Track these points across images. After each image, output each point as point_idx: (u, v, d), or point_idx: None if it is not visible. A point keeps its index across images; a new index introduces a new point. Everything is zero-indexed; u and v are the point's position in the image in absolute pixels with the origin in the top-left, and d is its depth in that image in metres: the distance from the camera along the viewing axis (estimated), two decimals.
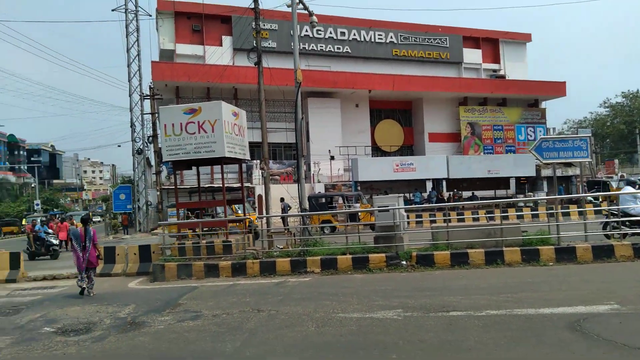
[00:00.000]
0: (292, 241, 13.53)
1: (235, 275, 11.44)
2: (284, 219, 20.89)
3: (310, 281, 10.56)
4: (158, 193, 29.74)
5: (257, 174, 32.34)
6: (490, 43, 45.46)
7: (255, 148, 24.77)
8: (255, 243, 14.28)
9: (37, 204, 48.50)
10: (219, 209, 16.67)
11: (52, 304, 9.90)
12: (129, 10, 32.52)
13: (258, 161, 31.92)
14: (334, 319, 7.14)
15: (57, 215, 30.11)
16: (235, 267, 11.52)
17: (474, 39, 44.53)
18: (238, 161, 14.87)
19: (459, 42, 43.33)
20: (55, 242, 19.50)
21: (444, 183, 34.27)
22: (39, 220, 21.88)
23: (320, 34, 38.06)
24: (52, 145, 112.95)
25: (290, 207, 22.51)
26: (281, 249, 12.83)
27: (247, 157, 14.82)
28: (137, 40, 33.07)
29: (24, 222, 41.60)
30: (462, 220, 18.39)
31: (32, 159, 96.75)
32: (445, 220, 13.29)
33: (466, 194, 35.15)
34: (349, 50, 39.80)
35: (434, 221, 20.13)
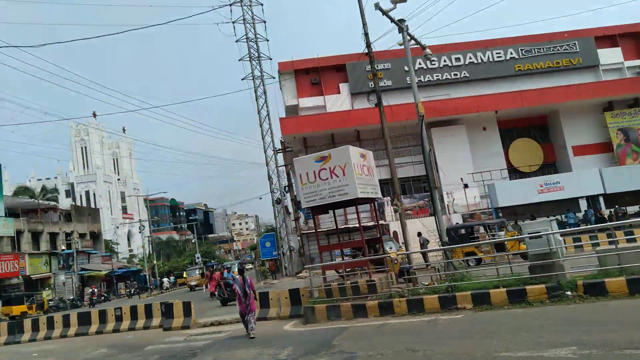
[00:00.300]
0: (437, 277, 13.18)
1: (383, 315, 11.46)
2: (424, 254, 20.43)
3: (463, 318, 10.13)
4: (299, 238, 31.37)
5: (388, 210, 32.38)
6: (630, 38, 40.52)
7: (383, 185, 25.02)
8: (398, 281, 14.22)
9: (198, 257, 54.36)
10: (386, 246, 16.64)
11: (221, 347, 10.93)
12: (256, 76, 36.00)
13: (388, 198, 32.03)
14: (497, 359, 6.75)
15: (213, 266, 33.37)
16: (382, 306, 11.57)
17: (610, 37, 40.12)
18: (370, 200, 15.18)
19: (591, 44, 39.36)
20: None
21: (601, 199, 30.46)
22: (236, 269, 24.58)
23: (434, 64, 37.74)
24: (205, 204, 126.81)
25: (428, 242, 21.96)
26: (426, 285, 12.58)
27: (379, 195, 15.06)
28: (265, 101, 36.29)
29: (184, 275, 46.75)
30: (633, 240, 16.09)
31: (190, 217, 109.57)
32: (611, 242, 11.79)
33: (632, 209, 30.73)
34: (467, 74, 38.68)
35: (596, 244, 17.98)
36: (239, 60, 35.96)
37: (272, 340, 10.74)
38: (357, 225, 14.42)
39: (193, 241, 75.13)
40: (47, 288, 40.51)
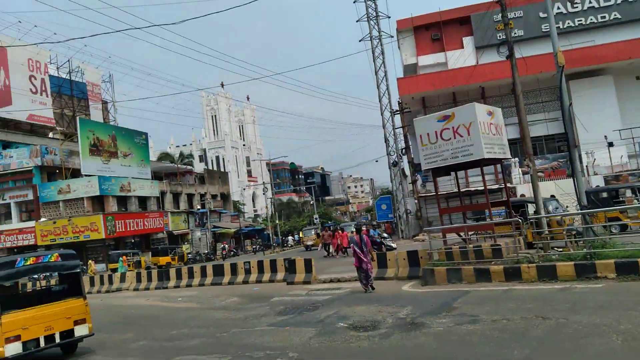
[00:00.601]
0: (573, 243, 11.96)
1: (509, 280, 10.78)
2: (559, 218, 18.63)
3: (604, 288, 9.09)
4: (415, 201, 30.81)
5: (515, 172, 30.11)
6: None
7: (511, 145, 23.15)
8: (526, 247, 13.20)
9: (316, 218, 56.60)
10: (549, 206, 15.27)
11: (340, 303, 11.24)
12: (374, 37, 35.15)
13: (516, 159, 29.70)
14: None
15: (330, 227, 34.27)
16: (508, 271, 10.87)
17: None
18: (497, 161, 14.13)
19: None
20: (394, 245, 22.33)
21: None
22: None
23: (576, 7, 33.31)
24: (322, 168, 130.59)
25: (565, 206, 19.99)
26: (560, 251, 11.49)
27: (507, 155, 13.95)
28: (383, 62, 35.38)
29: (300, 235, 48.82)
30: None
31: (308, 180, 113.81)
32: None
33: None
34: (617, 15, 33.51)
35: None
36: (357, 21, 35.33)
37: (390, 299, 10.74)
38: (480, 187, 13.59)
39: (311, 203, 78.21)
40: (186, 242, 45.45)
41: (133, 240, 38.98)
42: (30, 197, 36.46)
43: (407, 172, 35.08)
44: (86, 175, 36.73)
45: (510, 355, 5.98)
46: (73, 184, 36.23)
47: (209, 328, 10.21)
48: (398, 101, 33.90)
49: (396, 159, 33.06)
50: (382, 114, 33.63)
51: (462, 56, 33.52)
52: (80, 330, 8.95)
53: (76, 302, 9.11)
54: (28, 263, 8.66)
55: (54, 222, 35.14)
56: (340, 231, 26.46)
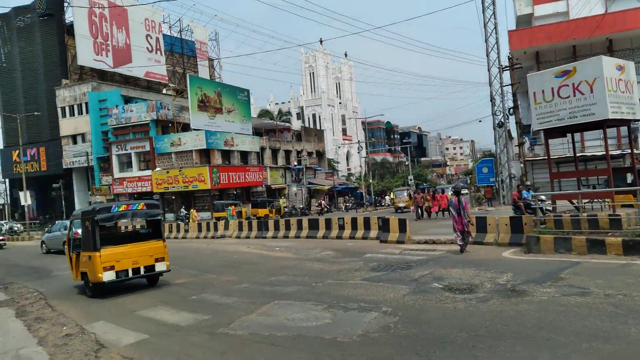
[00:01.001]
0: None
1: (628, 254, 9.75)
2: None
3: None
4: (521, 165, 28.78)
5: None
6: None
7: None
8: None
9: (411, 179, 55.65)
10: None
11: (435, 264, 11.03)
12: None
13: None
14: None
15: (425, 189, 33.36)
16: (628, 244, 9.82)
17: None
18: (624, 122, 12.57)
19: None
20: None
21: None
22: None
23: None
24: (419, 128, 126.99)
25: None
26: None
27: (638, 116, 12.32)
28: (494, 12, 32.68)
29: (391, 195, 48.14)
30: None
31: (403, 140, 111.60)
32: None
33: None
34: None
35: None
36: None
37: (489, 264, 10.30)
38: (597, 152, 12.24)
39: (406, 163, 76.84)
40: (283, 197, 47.36)
41: (235, 192, 41.45)
42: (147, 148, 40.03)
43: (514, 133, 32.73)
44: (194, 130, 39.32)
45: (626, 331, 5.46)
46: (183, 137, 39.05)
47: (305, 277, 10.62)
48: (508, 56, 31.19)
49: (502, 120, 30.93)
50: (489, 70, 31.41)
51: (588, 4, 29.70)
52: (160, 266, 10.67)
53: (157, 244, 10.83)
54: (120, 209, 10.58)
55: (167, 172, 38.39)
56: (440, 192, 25.87)
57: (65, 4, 46.17)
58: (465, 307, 7.08)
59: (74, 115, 44.63)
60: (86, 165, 43.32)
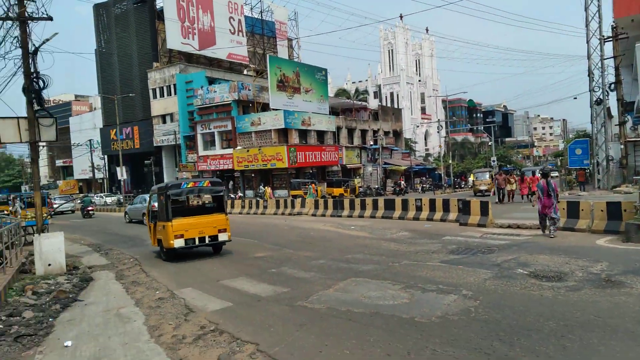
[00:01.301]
0: None
1: None
2: None
3: None
4: (622, 146, 26.26)
5: None
6: None
7: None
8: None
9: (494, 160, 52.99)
10: None
11: (520, 249, 10.48)
12: None
13: None
14: None
15: (508, 171, 31.51)
16: None
17: None
18: None
19: None
20: None
21: None
22: None
23: None
24: (504, 106, 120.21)
25: None
26: None
27: None
28: None
29: (471, 177, 46.16)
30: None
31: (487, 119, 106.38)
32: None
33: None
34: None
35: None
36: None
37: (580, 252, 9.60)
38: None
39: (489, 144, 73.24)
40: (358, 176, 47.23)
41: (311, 171, 42.05)
42: (229, 127, 41.64)
43: (614, 111, 29.82)
44: (273, 109, 40.22)
45: None
46: (263, 117, 40.12)
47: (381, 256, 10.58)
48: (612, 25, 28.23)
49: (601, 96, 28.29)
50: (587, 42, 28.68)
51: None
52: (222, 237, 11.99)
53: (220, 216, 12.17)
54: (189, 186, 12.17)
55: (247, 151, 39.77)
56: (531, 175, 24.38)
57: None
58: (554, 296, 6.67)
59: (163, 96, 47.45)
60: (174, 143, 46.08)
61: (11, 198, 24.42)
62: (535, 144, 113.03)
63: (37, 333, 6.53)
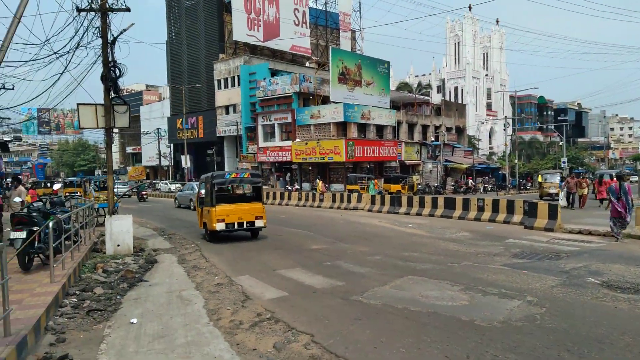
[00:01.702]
0: None
1: None
2: None
3: None
4: None
5: None
6: None
7: None
8: None
9: (564, 162, 50.10)
10: None
11: (591, 257, 9.82)
12: None
13: None
14: None
15: (580, 174, 29.69)
16: None
17: None
18: None
19: None
20: None
21: None
22: None
23: None
24: (578, 104, 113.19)
25: None
26: None
27: None
28: None
29: (539, 179, 43.72)
30: None
31: (558, 118, 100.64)
32: None
33: None
34: None
35: None
36: None
37: None
38: None
39: (560, 144, 69.33)
40: (417, 173, 46.34)
41: (368, 166, 41.74)
42: (289, 119, 42.15)
43: None
44: (333, 102, 40.22)
45: None
46: (322, 110, 40.25)
47: (440, 256, 10.30)
48: None
49: None
50: None
51: None
52: (259, 223, 13.33)
53: (258, 205, 13.62)
54: (231, 177, 13.62)
55: (306, 143, 40.09)
56: (609, 178, 22.57)
57: None
58: (630, 309, 6.19)
59: (227, 87, 48.82)
60: (236, 134, 47.35)
61: (83, 181, 26.24)
62: (612, 145, 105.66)
63: (107, 309, 6.93)
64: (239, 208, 13.32)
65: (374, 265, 9.49)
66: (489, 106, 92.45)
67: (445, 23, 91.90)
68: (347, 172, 38.40)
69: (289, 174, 42.33)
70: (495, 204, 17.09)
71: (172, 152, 59.20)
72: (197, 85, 49.66)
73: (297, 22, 51.10)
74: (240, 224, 13.14)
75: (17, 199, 11.15)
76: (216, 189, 13.31)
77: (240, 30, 47.13)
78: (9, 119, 36.72)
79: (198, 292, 7.91)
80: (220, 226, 12.77)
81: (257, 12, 48.27)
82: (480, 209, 17.51)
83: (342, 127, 40.27)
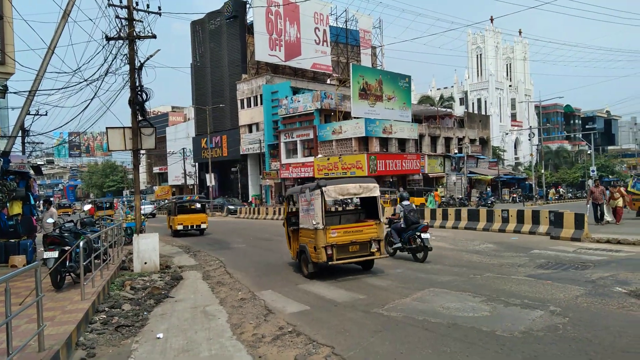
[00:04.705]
0: None
1: None
2: None
3: None
4: None
5: None
6: None
7: None
8: None
9: (593, 171, 48.90)
10: None
11: (619, 266, 9.60)
12: None
13: None
14: None
15: (611, 182, 28.94)
16: None
17: None
18: None
19: None
20: None
21: None
22: None
23: None
24: (607, 111, 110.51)
25: None
26: None
27: None
28: None
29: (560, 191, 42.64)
30: None
31: (586, 126, 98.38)
32: None
33: None
34: None
35: None
36: None
37: None
38: None
39: (588, 152, 67.68)
40: (441, 186, 45.90)
41: (391, 180, 41.62)
42: (311, 136, 42.56)
43: None
44: (355, 118, 40.47)
45: None
46: (344, 125, 40.51)
47: (462, 268, 10.23)
48: None
49: None
50: None
51: None
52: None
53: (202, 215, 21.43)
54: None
55: (328, 159, 40.32)
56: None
57: (247, 5, 51.38)
58: None
59: (250, 106, 49.70)
60: (259, 151, 48.01)
61: (114, 202, 27.13)
62: None
63: (134, 324, 7.15)
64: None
65: (395, 278, 9.50)
66: (513, 116, 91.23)
67: (466, 36, 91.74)
68: None
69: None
70: (520, 215, 16.84)
71: (197, 171, 60.31)
72: (220, 105, 50.72)
73: (318, 41, 51.87)
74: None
75: (50, 220, 11.62)
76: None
77: (263, 50, 48.11)
78: (42, 143, 38.23)
79: (222, 307, 8.08)
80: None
81: (279, 33, 49.25)
82: (505, 220, 17.28)
83: (363, 142, 40.40)
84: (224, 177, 55.65)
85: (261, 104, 47.80)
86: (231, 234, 22.09)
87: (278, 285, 9.50)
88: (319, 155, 41.47)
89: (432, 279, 9.17)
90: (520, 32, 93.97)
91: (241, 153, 50.54)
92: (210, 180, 48.30)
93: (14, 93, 13.61)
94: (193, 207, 23.35)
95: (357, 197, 11.60)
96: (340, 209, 13.04)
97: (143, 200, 51.69)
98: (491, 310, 6.74)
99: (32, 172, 15.41)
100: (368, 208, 11.17)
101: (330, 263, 9.45)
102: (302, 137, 43.50)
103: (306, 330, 6.37)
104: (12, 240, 11.98)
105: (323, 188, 9.51)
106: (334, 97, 43.28)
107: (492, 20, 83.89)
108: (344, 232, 9.62)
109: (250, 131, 50.12)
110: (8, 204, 12.06)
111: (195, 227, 21.86)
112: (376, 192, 10.20)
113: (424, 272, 9.89)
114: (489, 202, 39.67)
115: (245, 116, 50.30)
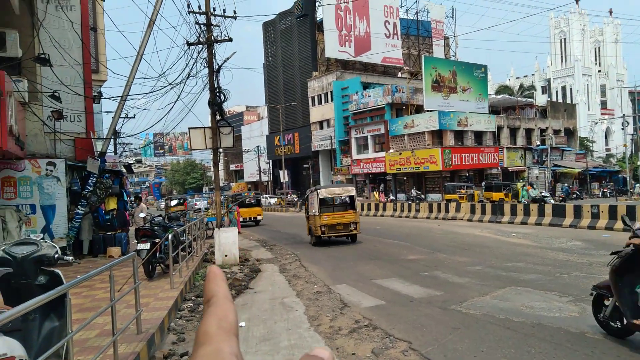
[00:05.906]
0: None
1: None
2: None
3: None
4: None
5: None
6: None
7: None
8: None
9: None
10: None
11: None
12: None
13: None
14: None
15: None
16: None
17: None
18: None
19: None
20: None
21: None
22: None
23: None
24: None
25: None
26: None
27: None
28: None
29: None
30: None
31: None
32: None
33: None
34: None
35: None
36: None
37: None
38: None
39: None
40: (521, 180, 43.57)
41: (467, 174, 40.18)
42: (382, 131, 42.16)
43: None
44: (428, 111, 39.52)
45: None
46: (416, 119, 39.71)
47: (547, 267, 9.71)
48: None
49: None
50: None
51: None
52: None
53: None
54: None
55: (400, 154, 39.74)
56: None
57: (317, 3, 51.90)
58: None
59: (321, 103, 50.23)
60: (330, 148, 48.43)
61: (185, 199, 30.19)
62: None
63: None
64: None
65: (473, 275, 9.23)
66: (603, 104, 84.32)
67: (548, 20, 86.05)
68: (444, 181, 37.36)
69: (382, 185, 42.23)
70: (613, 210, 15.65)
71: (271, 168, 62.04)
72: (292, 103, 51.74)
73: (388, 34, 51.22)
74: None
75: (141, 214, 12.55)
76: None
77: (332, 47, 48.39)
78: (131, 144, 41.34)
79: (298, 299, 8.31)
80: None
81: (348, 29, 49.26)
82: (595, 216, 16.13)
83: (437, 136, 39.36)
84: (296, 173, 56.80)
85: (332, 100, 48.13)
86: (305, 228, 22.51)
87: (352, 280, 9.59)
88: (391, 150, 41.01)
89: (514, 277, 8.80)
90: (610, 12, 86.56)
91: (312, 150, 51.25)
92: (284, 176, 49.51)
93: (108, 98, 14.86)
94: (250, 202, 26.73)
95: (340, 197, 17.11)
96: (334, 203, 17.29)
97: (201, 195, 54.11)
98: (580, 311, 6.36)
99: (124, 170, 16.73)
100: (351, 203, 16.05)
101: (322, 236, 14.69)
102: (373, 132, 43.24)
103: (382, 324, 6.39)
104: (109, 233, 13.13)
105: (318, 190, 15.38)
106: (405, 90, 42.55)
107: (577, 1, 77.97)
108: (332, 217, 14.88)
109: (321, 128, 50.66)
110: (105, 200, 13.21)
111: (251, 219, 25.13)
112: (353, 193, 15.74)
113: (504, 270, 9.52)
114: (573, 196, 37.15)
115: (316, 113, 50.91)
